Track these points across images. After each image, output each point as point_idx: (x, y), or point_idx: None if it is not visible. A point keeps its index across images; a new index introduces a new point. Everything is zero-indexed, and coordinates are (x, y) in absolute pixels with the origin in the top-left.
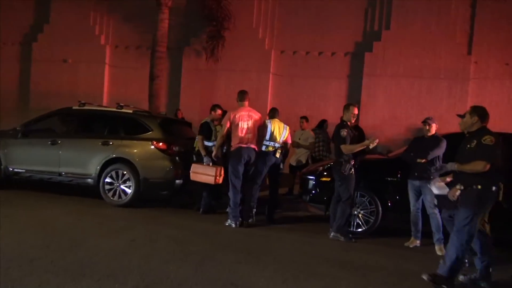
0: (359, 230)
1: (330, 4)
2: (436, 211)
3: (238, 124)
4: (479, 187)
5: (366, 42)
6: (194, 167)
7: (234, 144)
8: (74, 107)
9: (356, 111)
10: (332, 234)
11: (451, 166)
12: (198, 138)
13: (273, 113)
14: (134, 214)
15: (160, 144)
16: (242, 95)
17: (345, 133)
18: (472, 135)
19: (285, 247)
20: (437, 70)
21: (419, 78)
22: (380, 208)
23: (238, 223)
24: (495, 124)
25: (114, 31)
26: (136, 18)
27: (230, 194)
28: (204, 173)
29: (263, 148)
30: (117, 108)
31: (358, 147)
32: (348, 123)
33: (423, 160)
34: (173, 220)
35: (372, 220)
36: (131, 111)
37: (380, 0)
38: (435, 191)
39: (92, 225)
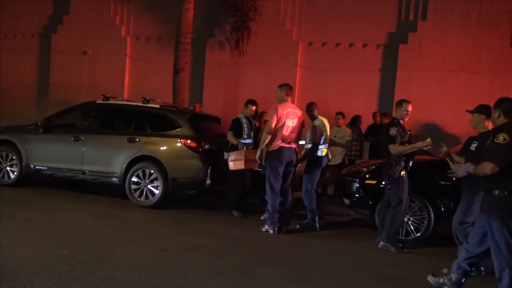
0: (409, 238)
1: None
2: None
3: (284, 122)
4: (497, 192)
5: (400, 33)
6: (229, 155)
7: (276, 143)
8: (98, 101)
9: (410, 108)
10: (381, 243)
11: (467, 167)
12: (228, 134)
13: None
14: (161, 217)
15: (190, 141)
16: (287, 89)
17: (394, 132)
18: (494, 132)
19: (331, 259)
20: (478, 63)
21: (458, 72)
22: (432, 215)
23: (276, 229)
24: None
25: (135, 22)
26: (157, 9)
27: (268, 197)
28: (235, 159)
29: (319, 153)
30: (143, 103)
31: (408, 149)
32: (401, 121)
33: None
34: (203, 225)
35: (423, 228)
36: (158, 106)
37: None
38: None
39: (119, 230)
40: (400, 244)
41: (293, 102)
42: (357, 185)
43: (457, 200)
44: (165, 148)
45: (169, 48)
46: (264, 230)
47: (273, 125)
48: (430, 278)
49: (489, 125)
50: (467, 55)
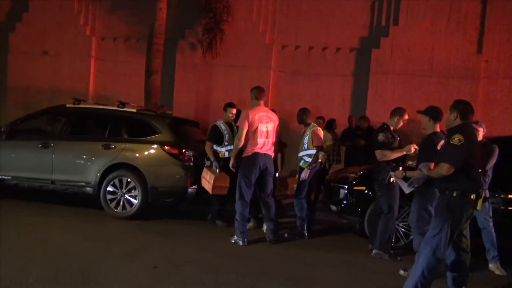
0: (399, 244)
1: None
2: (491, 224)
3: (257, 127)
4: (453, 193)
5: (373, 38)
6: (203, 172)
7: (250, 149)
8: (68, 105)
9: (406, 117)
10: (374, 252)
11: (423, 167)
12: (206, 144)
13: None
14: (144, 230)
15: (171, 148)
16: (259, 92)
17: (382, 138)
18: (449, 133)
19: (330, 271)
20: (447, 68)
21: (428, 77)
22: None
23: (246, 240)
24: (506, 125)
25: (100, 21)
26: (125, 8)
27: (237, 206)
28: (206, 180)
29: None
30: (118, 107)
31: (393, 154)
32: (391, 127)
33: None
34: (189, 237)
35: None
36: (135, 110)
37: None
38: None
39: (100, 246)
40: (392, 251)
41: (265, 104)
42: (345, 191)
43: None
44: (143, 155)
45: (138, 49)
46: (233, 241)
47: (244, 131)
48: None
49: (437, 127)
50: (437, 60)
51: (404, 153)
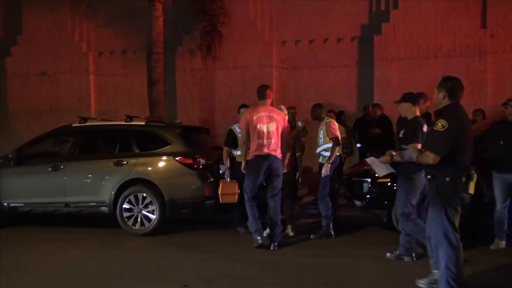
0: None
1: None
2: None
3: (256, 127)
4: (443, 179)
5: (374, 24)
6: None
7: (252, 151)
8: (74, 125)
9: (429, 103)
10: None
11: (412, 153)
12: (224, 149)
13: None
14: (166, 245)
15: (185, 158)
16: (261, 92)
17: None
18: (436, 116)
19: (368, 271)
20: (452, 47)
21: (433, 58)
22: None
23: (263, 237)
24: None
25: (96, 36)
26: (119, 21)
27: (247, 208)
28: (226, 193)
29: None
30: (126, 121)
31: None
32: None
33: None
34: (215, 248)
35: None
36: (143, 123)
37: None
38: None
39: (126, 268)
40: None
41: (272, 103)
42: (369, 185)
43: None
44: (157, 168)
45: (136, 60)
46: (255, 245)
47: (245, 132)
48: (419, 282)
49: (417, 111)
50: (441, 40)
51: None
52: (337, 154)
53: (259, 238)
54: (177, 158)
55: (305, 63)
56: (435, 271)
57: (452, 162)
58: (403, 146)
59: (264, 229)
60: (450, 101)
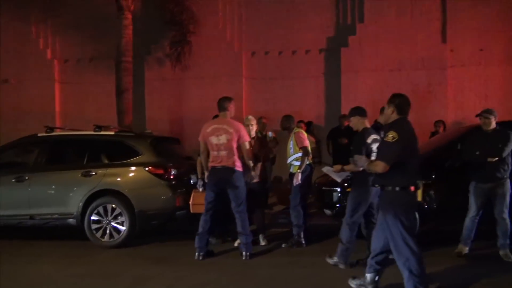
0: None
1: (299, 0)
2: (507, 216)
3: (209, 140)
4: (392, 188)
5: (340, 37)
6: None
7: (209, 163)
8: (40, 134)
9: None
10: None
11: (365, 161)
12: (197, 159)
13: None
14: (137, 258)
15: (155, 168)
16: (220, 104)
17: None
18: (385, 130)
19: (344, 279)
20: (415, 60)
21: (398, 70)
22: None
23: (201, 254)
24: (475, 111)
25: (61, 43)
26: (86, 28)
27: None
28: (197, 203)
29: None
30: (94, 131)
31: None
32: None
33: (495, 159)
34: (187, 259)
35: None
36: (112, 133)
37: None
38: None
39: (97, 284)
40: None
41: (240, 112)
42: (339, 194)
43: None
44: (127, 178)
45: (104, 68)
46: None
47: (202, 146)
48: (351, 282)
49: (366, 123)
50: (405, 53)
51: None
52: (307, 163)
53: (196, 254)
54: (147, 169)
55: (274, 74)
56: (368, 275)
57: (401, 172)
58: (350, 159)
59: (235, 239)
60: (399, 116)
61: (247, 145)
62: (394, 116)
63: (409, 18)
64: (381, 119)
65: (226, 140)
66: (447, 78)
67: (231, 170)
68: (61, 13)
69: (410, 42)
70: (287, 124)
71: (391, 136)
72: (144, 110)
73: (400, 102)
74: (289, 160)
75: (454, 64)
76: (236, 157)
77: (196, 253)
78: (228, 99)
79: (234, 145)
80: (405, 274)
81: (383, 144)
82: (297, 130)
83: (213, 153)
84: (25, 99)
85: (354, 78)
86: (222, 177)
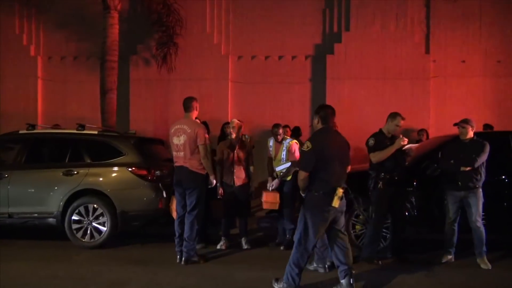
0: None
1: (287, 6)
2: (480, 224)
3: (171, 140)
4: (312, 192)
5: (326, 44)
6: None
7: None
8: (21, 131)
9: (400, 122)
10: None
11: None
12: None
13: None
14: (117, 260)
15: (138, 169)
16: (185, 104)
17: (372, 142)
18: (309, 138)
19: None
20: (399, 70)
21: (382, 80)
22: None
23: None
24: (453, 121)
25: (46, 40)
26: (71, 25)
27: None
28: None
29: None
30: (77, 130)
31: (384, 152)
32: (388, 134)
33: (468, 168)
34: (167, 263)
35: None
36: (96, 132)
37: (338, 1)
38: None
39: (72, 283)
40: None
41: (225, 116)
42: None
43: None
44: (109, 178)
45: (88, 67)
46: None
47: (170, 145)
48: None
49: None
50: (389, 63)
51: (396, 148)
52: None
53: (178, 257)
54: (130, 169)
55: (260, 79)
56: (342, 281)
57: (318, 179)
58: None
59: (216, 243)
60: (323, 126)
61: (203, 147)
62: (319, 126)
63: (393, 29)
64: (384, 129)
65: (183, 140)
66: (429, 88)
67: (185, 170)
68: (46, 9)
69: (394, 52)
70: (273, 132)
71: (306, 146)
72: (129, 110)
73: (324, 113)
74: (279, 168)
75: (437, 74)
76: (193, 158)
77: (178, 256)
78: (192, 98)
79: (192, 146)
80: (289, 261)
81: (301, 153)
82: (292, 141)
83: (174, 154)
84: (7, 95)
85: (339, 85)
86: (178, 177)
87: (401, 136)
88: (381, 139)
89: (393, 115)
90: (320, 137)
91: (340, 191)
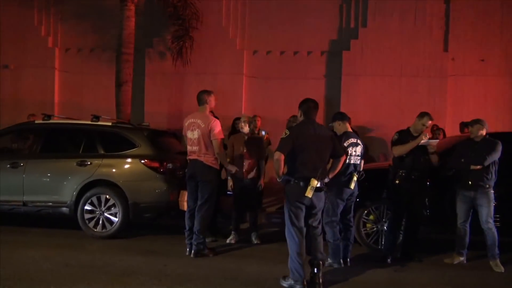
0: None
1: (303, 1)
2: (492, 225)
3: (186, 134)
4: (289, 182)
5: (342, 40)
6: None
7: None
8: (37, 121)
9: (429, 123)
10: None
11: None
12: None
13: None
14: (128, 250)
15: (151, 161)
16: (199, 98)
17: (395, 137)
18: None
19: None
20: (416, 67)
21: (398, 77)
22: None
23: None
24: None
25: (63, 32)
26: (89, 17)
27: None
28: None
29: None
30: (92, 121)
31: (406, 147)
32: (415, 133)
33: (478, 167)
34: (177, 254)
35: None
36: (110, 124)
37: None
38: None
39: (85, 272)
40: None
41: (239, 111)
42: None
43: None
44: (122, 170)
45: (105, 59)
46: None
47: (184, 138)
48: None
49: (348, 127)
50: (406, 60)
51: (417, 143)
52: None
53: (188, 249)
54: (143, 161)
55: (275, 74)
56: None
57: (294, 170)
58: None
59: (227, 236)
60: (303, 118)
61: (217, 142)
62: (301, 118)
63: (411, 26)
64: (412, 127)
65: (198, 135)
66: (447, 87)
67: (200, 163)
68: (64, 1)
69: (412, 49)
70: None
71: (284, 133)
72: (143, 103)
73: (306, 107)
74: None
75: (455, 73)
76: (208, 153)
77: (188, 249)
78: (207, 92)
79: (207, 140)
80: (289, 255)
81: (280, 140)
82: None
83: (188, 148)
84: (24, 86)
85: (355, 82)
86: (192, 171)
87: (424, 133)
88: (405, 135)
89: (422, 115)
90: (298, 127)
91: (314, 182)
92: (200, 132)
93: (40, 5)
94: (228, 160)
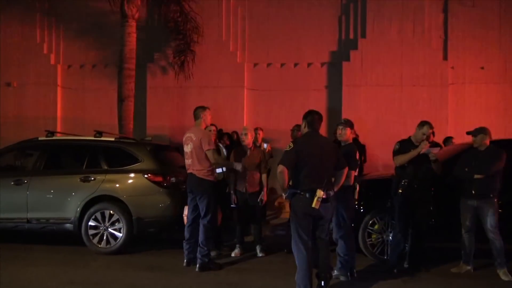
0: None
1: (302, 13)
2: (497, 234)
3: (184, 148)
4: (295, 194)
5: (342, 51)
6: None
7: None
8: (40, 138)
9: (429, 132)
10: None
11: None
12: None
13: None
14: (133, 266)
15: (154, 176)
16: (194, 113)
17: (396, 146)
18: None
19: None
20: (416, 77)
21: (399, 86)
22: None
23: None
24: (472, 129)
25: (65, 49)
26: (90, 34)
27: None
28: None
29: None
30: (95, 136)
31: (405, 156)
32: (416, 142)
33: (481, 176)
34: (181, 268)
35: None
36: (113, 139)
37: (354, 8)
38: None
39: None
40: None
41: (240, 123)
42: None
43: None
44: (126, 185)
45: (107, 75)
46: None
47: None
48: None
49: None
50: (406, 69)
51: (418, 152)
52: None
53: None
54: (146, 176)
55: (276, 86)
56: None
57: (299, 182)
58: None
59: (232, 249)
60: (308, 130)
61: (209, 153)
62: (306, 130)
63: (410, 35)
64: (413, 137)
65: (191, 149)
66: (447, 95)
67: (194, 177)
68: (66, 18)
69: (411, 58)
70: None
71: (288, 146)
72: (146, 117)
73: (310, 118)
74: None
75: (455, 81)
76: (200, 166)
77: (185, 260)
78: (202, 108)
79: (198, 153)
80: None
81: (283, 153)
82: None
83: (185, 161)
84: (27, 103)
85: (355, 92)
86: (189, 184)
87: (424, 142)
88: (406, 145)
89: (422, 124)
90: (302, 140)
91: (320, 193)
92: (192, 146)
93: (42, 23)
94: (231, 174)
